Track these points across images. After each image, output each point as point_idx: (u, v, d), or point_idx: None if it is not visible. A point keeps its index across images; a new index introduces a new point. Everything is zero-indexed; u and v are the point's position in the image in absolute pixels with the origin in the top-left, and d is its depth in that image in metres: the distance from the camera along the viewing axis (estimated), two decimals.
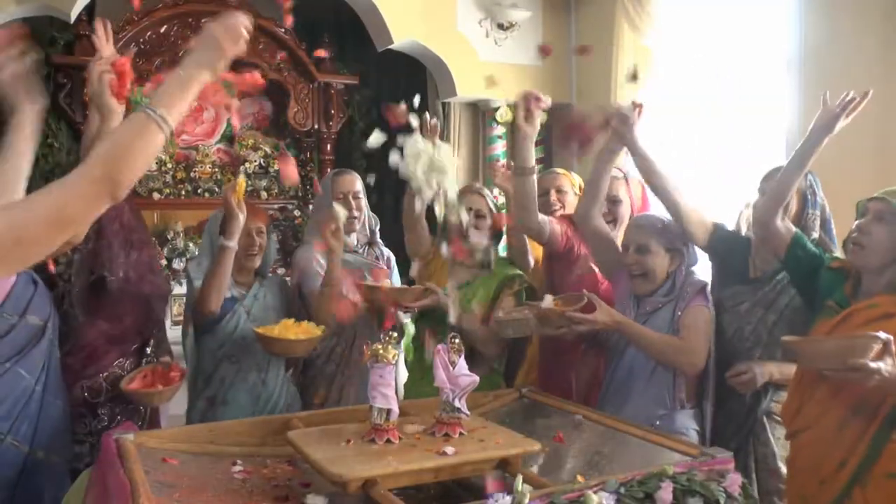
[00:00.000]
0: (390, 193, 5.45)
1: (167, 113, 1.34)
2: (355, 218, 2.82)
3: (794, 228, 2.28)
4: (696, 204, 2.49)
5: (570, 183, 3.09)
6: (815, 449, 1.99)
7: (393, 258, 3.01)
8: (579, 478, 1.66)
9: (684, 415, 2.38)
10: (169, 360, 2.67)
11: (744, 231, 2.58)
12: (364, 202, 2.89)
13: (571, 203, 3.05)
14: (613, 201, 2.82)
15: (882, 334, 1.81)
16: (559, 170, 3.17)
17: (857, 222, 2.07)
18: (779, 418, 2.38)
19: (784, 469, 2.34)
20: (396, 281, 2.97)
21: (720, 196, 4.04)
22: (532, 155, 2.60)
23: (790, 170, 2.24)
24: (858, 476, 1.89)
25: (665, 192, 2.45)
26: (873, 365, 1.78)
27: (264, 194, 5.32)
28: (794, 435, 2.09)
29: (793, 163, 2.25)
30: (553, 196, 2.99)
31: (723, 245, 2.47)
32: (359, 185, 2.87)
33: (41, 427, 2.24)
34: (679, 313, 2.40)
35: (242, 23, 1.48)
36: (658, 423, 2.30)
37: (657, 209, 2.85)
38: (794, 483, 2.10)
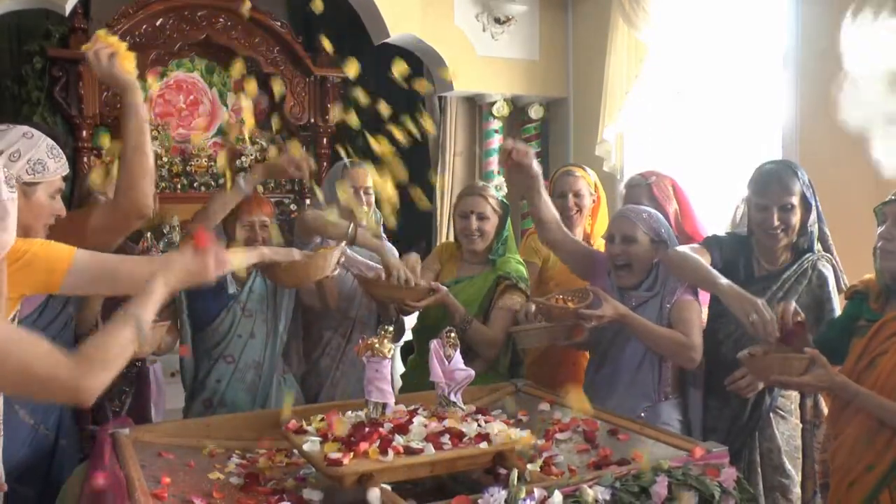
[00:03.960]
0: (397, 188, 5.44)
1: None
2: (365, 212, 2.79)
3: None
4: (682, 247, 2.41)
5: (587, 183, 3.07)
6: (847, 453, 2.00)
7: (397, 255, 2.98)
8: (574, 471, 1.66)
9: (668, 406, 2.40)
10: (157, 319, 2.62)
11: (739, 215, 2.56)
12: (373, 197, 2.84)
13: (588, 206, 3.05)
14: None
15: (808, 351, 1.96)
16: (576, 171, 3.08)
17: (880, 230, 2.02)
18: (784, 413, 2.39)
19: (789, 465, 2.35)
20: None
21: (716, 191, 4.05)
22: None
23: None
24: (888, 479, 1.89)
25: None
26: (798, 380, 1.96)
27: (260, 188, 5.31)
28: (833, 438, 2.09)
29: None
30: (570, 200, 2.98)
31: (724, 255, 2.43)
32: (370, 179, 2.81)
33: (63, 416, 2.28)
34: (668, 306, 2.40)
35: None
36: (643, 415, 2.31)
37: (695, 204, 2.86)
38: (832, 483, 2.10)
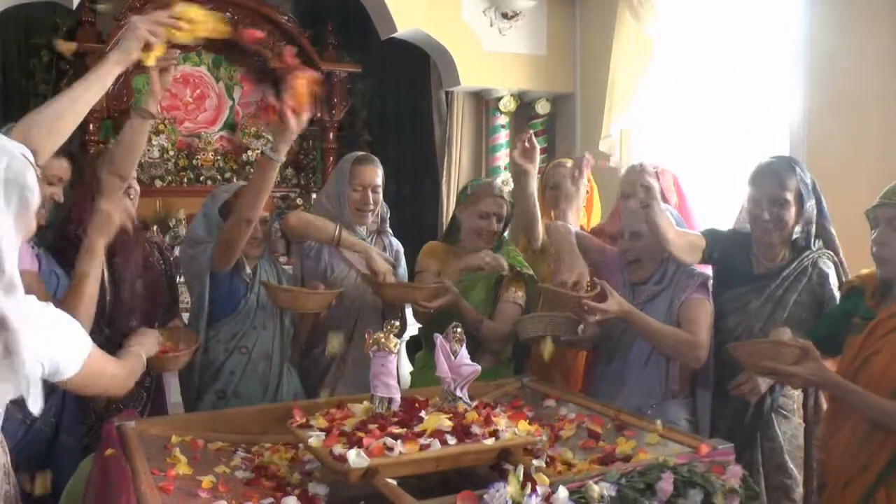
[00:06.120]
0: (403, 183, 5.42)
1: None
2: (370, 210, 2.78)
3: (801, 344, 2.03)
4: (679, 229, 2.40)
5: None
6: (842, 452, 1.98)
7: (401, 250, 2.93)
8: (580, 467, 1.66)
9: (675, 405, 2.38)
10: (178, 323, 2.63)
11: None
12: (381, 195, 2.80)
13: (582, 195, 3.03)
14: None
15: (801, 341, 1.94)
16: (568, 162, 3.05)
17: (873, 235, 2.01)
18: (786, 413, 2.37)
19: (791, 465, 2.34)
20: (403, 275, 2.93)
21: (722, 189, 4.04)
22: None
23: None
24: (884, 477, 1.87)
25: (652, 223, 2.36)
26: (788, 369, 1.90)
27: None
28: (830, 438, 2.08)
29: None
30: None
31: (721, 248, 2.43)
32: (380, 177, 2.77)
33: (66, 410, 2.27)
34: (677, 303, 2.39)
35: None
36: (649, 412, 2.29)
37: (692, 202, 2.85)
38: (829, 483, 2.09)
